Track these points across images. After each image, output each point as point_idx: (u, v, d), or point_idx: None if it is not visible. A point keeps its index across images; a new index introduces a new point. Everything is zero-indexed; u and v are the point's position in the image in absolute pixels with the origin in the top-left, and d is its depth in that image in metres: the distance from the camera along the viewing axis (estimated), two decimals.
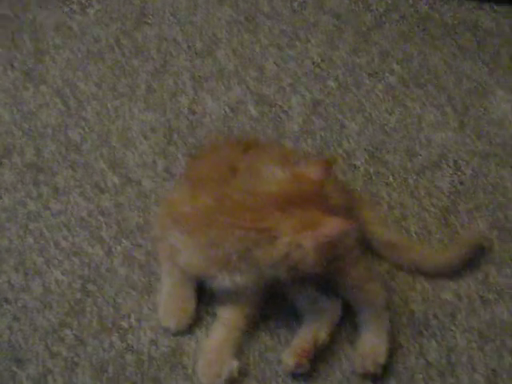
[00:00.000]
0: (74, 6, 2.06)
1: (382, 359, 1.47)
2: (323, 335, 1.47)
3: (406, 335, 1.56)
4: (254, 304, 1.51)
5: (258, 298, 1.51)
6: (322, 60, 2.04)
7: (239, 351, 1.47)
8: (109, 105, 1.86)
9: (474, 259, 1.66)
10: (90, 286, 1.55)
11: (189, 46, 2.01)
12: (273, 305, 1.54)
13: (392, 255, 1.64)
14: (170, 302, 1.51)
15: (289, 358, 1.45)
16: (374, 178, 1.81)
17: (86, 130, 1.81)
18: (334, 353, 1.52)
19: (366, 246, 1.63)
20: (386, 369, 1.50)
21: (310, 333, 1.48)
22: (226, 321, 1.49)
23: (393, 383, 1.49)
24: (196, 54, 2.00)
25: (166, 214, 1.49)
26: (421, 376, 1.51)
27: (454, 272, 1.65)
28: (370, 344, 1.49)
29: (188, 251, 1.41)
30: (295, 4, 2.15)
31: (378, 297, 1.52)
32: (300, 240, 1.29)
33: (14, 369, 1.43)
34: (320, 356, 1.50)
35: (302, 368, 1.44)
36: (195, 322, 1.51)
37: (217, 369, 1.43)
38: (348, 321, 1.55)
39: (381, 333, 1.50)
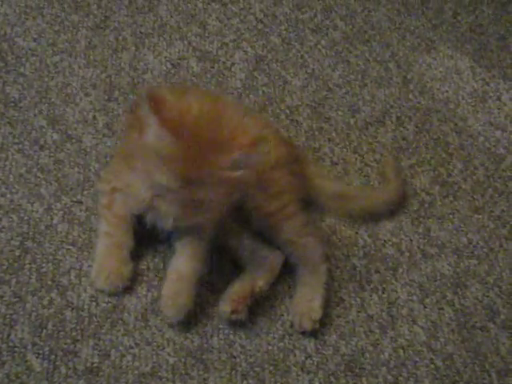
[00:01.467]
0: None
1: (317, 315, 1.49)
2: (261, 283, 1.48)
3: (347, 290, 1.57)
4: (201, 256, 1.50)
5: (203, 247, 1.50)
6: (265, 15, 2.03)
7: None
8: (48, 61, 1.83)
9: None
10: (29, 243, 1.53)
11: (130, 2, 1.99)
12: (215, 260, 1.54)
13: (340, 206, 1.65)
14: (104, 264, 1.49)
15: (225, 305, 1.45)
16: (316, 133, 1.81)
17: (25, 86, 1.78)
18: (275, 307, 1.53)
19: (311, 201, 1.63)
20: (327, 323, 1.52)
21: (248, 280, 1.49)
22: (175, 274, 1.49)
23: (334, 337, 1.51)
24: (137, 9, 1.98)
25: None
26: (362, 329, 1.53)
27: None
28: (305, 301, 1.50)
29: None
30: None
31: (314, 252, 1.53)
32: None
33: None
34: (262, 311, 1.51)
35: (239, 315, 1.45)
36: (136, 278, 1.51)
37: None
38: (291, 276, 1.56)
39: (316, 289, 1.51)
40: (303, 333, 1.49)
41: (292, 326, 1.50)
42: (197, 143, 1.25)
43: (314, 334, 1.49)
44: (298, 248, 1.52)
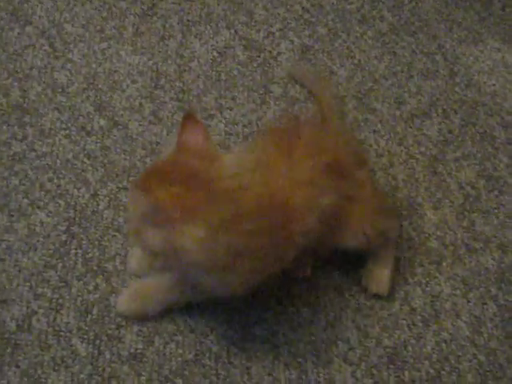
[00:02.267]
0: None
1: (386, 286, 1.55)
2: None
3: (391, 283, 1.56)
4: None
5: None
6: (312, 5, 2.02)
7: None
8: (96, 47, 1.84)
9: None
10: (75, 229, 1.54)
11: None
12: None
13: None
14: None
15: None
16: (362, 124, 1.80)
17: (73, 72, 1.79)
18: (318, 298, 1.52)
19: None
20: (371, 315, 1.51)
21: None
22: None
23: (377, 329, 1.50)
24: None
25: None
26: (405, 322, 1.52)
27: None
28: (378, 269, 1.54)
29: None
30: None
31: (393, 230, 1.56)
32: None
33: None
34: (305, 301, 1.51)
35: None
36: None
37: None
38: (334, 269, 1.56)
39: (387, 260, 1.56)
40: (375, 295, 1.53)
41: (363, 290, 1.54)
42: None
43: (357, 323, 1.50)
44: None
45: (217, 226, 1.16)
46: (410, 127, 1.81)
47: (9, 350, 1.39)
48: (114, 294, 1.47)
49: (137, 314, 1.46)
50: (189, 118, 1.25)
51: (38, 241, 1.52)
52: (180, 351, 1.43)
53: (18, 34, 1.85)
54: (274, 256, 1.29)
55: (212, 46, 1.89)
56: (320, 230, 1.34)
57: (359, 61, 1.92)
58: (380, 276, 1.53)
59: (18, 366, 1.37)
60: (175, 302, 1.45)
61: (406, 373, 1.47)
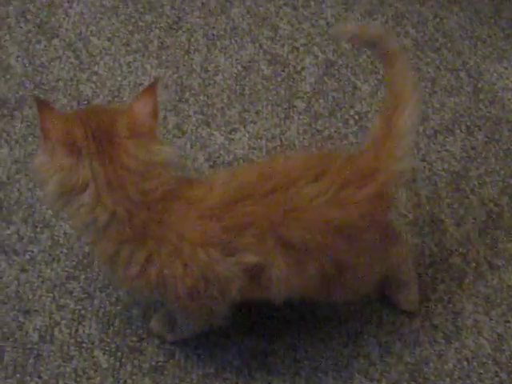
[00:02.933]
0: None
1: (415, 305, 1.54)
2: None
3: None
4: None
5: None
6: (336, 20, 2.02)
7: None
8: (121, 60, 1.85)
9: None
10: None
11: (203, 3, 1.99)
12: None
13: None
14: None
15: None
16: None
17: (98, 84, 1.80)
18: (339, 313, 1.52)
19: None
20: (392, 331, 1.51)
21: None
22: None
23: (398, 345, 1.49)
24: (210, 11, 1.98)
25: None
26: (426, 339, 1.51)
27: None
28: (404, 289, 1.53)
29: None
30: None
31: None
32: None
33: (21, 319, 1.44)
34: (326, 316, 1.51)
35: None
36: None
37: None
38: None
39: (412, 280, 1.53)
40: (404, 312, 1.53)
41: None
42: None
43: (378, 340, 1.49)
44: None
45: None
46: (434, 143, 1.80)
47: (31, 361, 1.40)
48: (135, 306, 1.47)
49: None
50: (152, 89, 1.24)
51: (61, 252, 1.53)
52: (201, 364, 1.43)
53: (45, 46, 1.86)
54: None
55: (236, 60, 1.89)
56: None
57: (383, 76, 1.91)
58: (409, 295, 1.53)
59: (40, 377, 1.38)
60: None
61: None
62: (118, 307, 1.47)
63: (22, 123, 1.72)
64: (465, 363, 1.49)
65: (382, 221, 1.36)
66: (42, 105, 1.19)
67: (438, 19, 2.07)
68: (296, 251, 1.24)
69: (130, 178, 1.19)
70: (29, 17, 1.91)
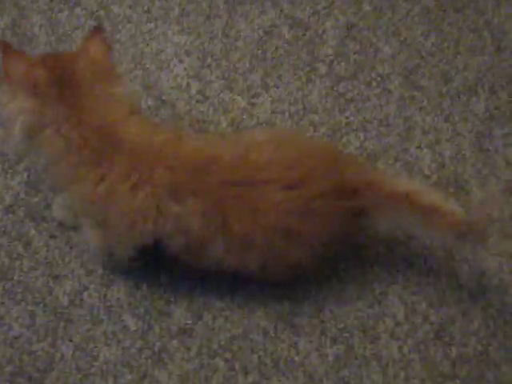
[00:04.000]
0: None
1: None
2: None
3: (437, 260, 1.55)
4: None
5: None
6: None
7: None
8: (143, 27, 1.85)
9: None
10: None
11: None
12: None
13: None
14: None
15: None
16: (408, 102, 1.79)
17: (121, 52, 1.80)
18: (365, 274, 1.52)
19: None
20: (417, 292, 1.51)
21: None
22: None
23: (424, 306, 1.50)
24: None
25: None
26: (452, 299, 1.51)
27: None
28: None
29: None
30: None
31: None
32: None
33: (52, 285, 1.46)
34: (351, 278, 1.52)
35: None
36: None
37: None
38: (380, 243, 1.56)
39: None
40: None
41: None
42: None
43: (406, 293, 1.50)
44: None
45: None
46: (457, 104, 1.79)
47: (62, 325, 1.42)
48: (163, 271, 1.49)
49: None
50: (96, 33, 1.28)
51: None
52: (228, 326, 1.44)
53: (67, 15, 1.86)
54: None
55: (258, 25, 1.88)
56: None
57: (405, 38, 1.90)
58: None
59: (71, 340, 1.40)
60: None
61: (453, 348, 1.47)
62: (146, 271, 1.48)
63: None
64: (491, 322, 1.50)
65: (343, 234, 1.37)
66: (6, 47, 1.21)
67: None
68: (240, 241, 1.26)
69: (89, 114, 1.23)
70: None
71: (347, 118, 1.74)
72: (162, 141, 1.26)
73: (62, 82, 1.22)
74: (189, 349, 1.41)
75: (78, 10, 1.87)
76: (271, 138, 1.37)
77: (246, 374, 1.40)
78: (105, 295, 1.45)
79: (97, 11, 1.87)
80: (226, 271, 1.36)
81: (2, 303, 1.43)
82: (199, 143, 1.31)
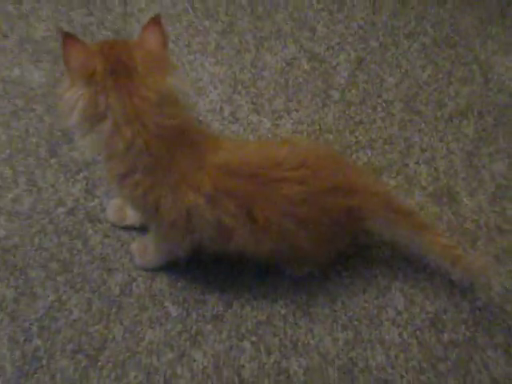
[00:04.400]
0: None
1: None
2: None
3: (433, 259, 1.54)
4: None
5: None
6: (366, 22, 1.99)
7: None
8: (184, 59, 1.85)
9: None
10: None
11: (252, 10, 1.98)
12: None
13: None
14: None
15: None
16: (408, 124, 1.78)
17: None
18: (371, 270, 1.52)
19: None
20: (415, 286, 1.50)
21: None
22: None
23: (421, 297, 1.49)
24: (257, 16, 1.97)
25: None
26: (444, 292, 1.50)
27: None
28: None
29: None
30: None
31: None
32: None
33: (105, 277, 1.46)
34: (359, 273, 1.51)
35: None
36: None
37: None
38: (385, 243, 1.55)
39: None
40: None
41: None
42: None
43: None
44: None
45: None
46: (450, 126, 1.78)
47: (114, 310, 1.41)
48: (199, 266, 1.49)
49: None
50: (155, 22, 1.18)
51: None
52: (254, 313, 1.44)
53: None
54: None
55: (281, 57, 1.88)
56: None
57: (406, 70, 1.89)
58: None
59: (121, 324, 1.40)
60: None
61: (446, 335, 1.45)
62: (185, 267, 1.48)
63: None
64: (477, 312, 1.48)
65: (344, 229, 1.36)
66: (66, 36, 1.13)
67: (452, 20, 2.03)
68: (259, 227, 1.24)
69: (147, 110, 1.14)
70: (107, 24, 1.92)
71: (356, 137, 1.74)
72: (206, 149, 1.23)
73: (118, 71, 1.13)
74: (220, 332, 1.41)
75: None
76: (288, 143, 1.38)
77: (269, 354, 1.39)
78: (150, 286, 1.45)
79: None
80: (246, 256, 1.35)
81: (65, 291, 1.43)
82: (235, 150, 1.28)
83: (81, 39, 1.15)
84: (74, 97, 1.14)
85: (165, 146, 1.17)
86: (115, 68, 1.13)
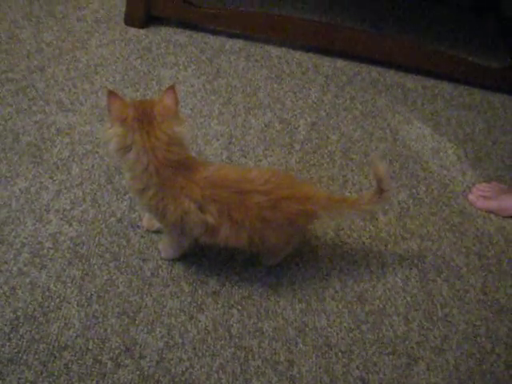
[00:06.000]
0: (180, 67, 2.01)
1: None
2: None
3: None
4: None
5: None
6: (318, 100, 1.99)
7: None
8: (197, 121, 1.83)
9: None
10: None
11: (243, 90, 1.97)
12: None
13: None
14: None
15: None
16: (345, 167, 1.77)
17: None
18: (318, 262, 1.50)
19: None
20: (349, 274, 1.48)
21: None
22: None
23: (350, 281, 1.47)
24: (247, 94, 1.96)
25: None
26: (367, 279, 1.49)
27: None
28: None
29: None
30: (303, 69, 2.10)
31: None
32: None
33: (141, 264, 1.43)
34: (310, 264, 1.49)
35: None
36: None
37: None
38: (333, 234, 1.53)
39: None
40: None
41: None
42: None
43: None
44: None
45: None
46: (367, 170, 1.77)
47: (146, 286, 1.39)
48: (202, 256, 1.46)
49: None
50: (171, 89, 1.17)
51: None
52: (240, 291, 1.42)
53: None
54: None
55: (262, 121, 1.87)
56: None
57: (343, 131, 1.89)
58: (275, 258, 1.45)
59: (151, 295, 1.37)
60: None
61: (367, 306, 1.44)
62: (194, 256, 1.46)
63: None
64: (388, 292, 1.47)
65: (299, 226, 1.33)
66: (110, 93, 1.14)
67: (373, 100, 2.04)
68: (237, 225, 1.22)
69: (159, 146, 1.14)
70: (139, 93, 1.90)
71: (310, 175, 1.73)
72: (197, 169, 1.22)
73: (142, 119, 1.14)
74: (217, 303, 1.38)
75: None
76: (258, 168, 1.40)
77: (250, 318, 1.37)
78: (171, 271, 1.42)
79: None
80: (232, 248, 1.32)
81: (114, 273, 1.40)
82: (219, 169, 1.25)
83: (120, 95, 1.16)
84: (112, 133, 1.15)
85: (169, 171, 1.17)
86: (141, 116, 1.14)
